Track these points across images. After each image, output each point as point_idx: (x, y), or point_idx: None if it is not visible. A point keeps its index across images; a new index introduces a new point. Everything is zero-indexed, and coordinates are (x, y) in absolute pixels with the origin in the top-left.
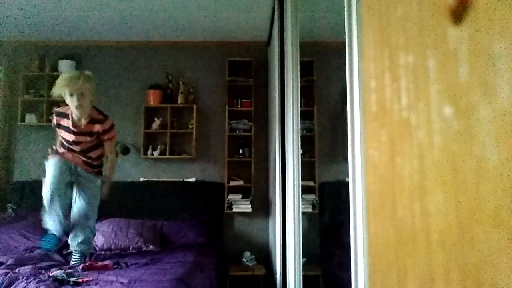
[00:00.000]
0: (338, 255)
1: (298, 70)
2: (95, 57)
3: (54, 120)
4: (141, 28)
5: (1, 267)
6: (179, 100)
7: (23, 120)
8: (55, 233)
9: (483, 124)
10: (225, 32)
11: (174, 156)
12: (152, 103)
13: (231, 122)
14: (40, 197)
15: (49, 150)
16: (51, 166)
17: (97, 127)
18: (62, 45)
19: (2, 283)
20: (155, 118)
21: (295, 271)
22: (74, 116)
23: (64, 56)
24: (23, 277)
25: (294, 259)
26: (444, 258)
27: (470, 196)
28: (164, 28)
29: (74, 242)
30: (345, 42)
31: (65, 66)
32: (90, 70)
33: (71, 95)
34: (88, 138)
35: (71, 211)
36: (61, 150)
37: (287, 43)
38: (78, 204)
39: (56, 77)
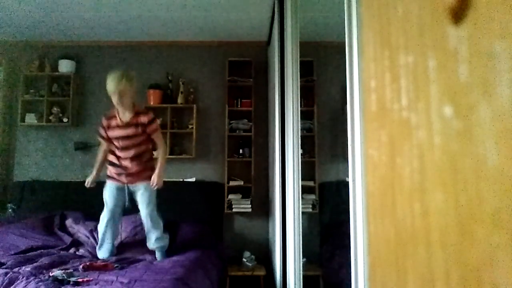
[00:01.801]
0: (338, 255)
1: (298, 70)
2: (95, 57)
3: (103, 124)
4: (141, 28)
5: (1, 267)
6: (179, 100)
7: (23, 120)
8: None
9: (483, 124)
10: (225, 32)
11: (174, 156)
12: (152, 103)
13: (231, 122)
14: (40, 197)
15: (107, 169)
16: (107, 194)
17: (142, 118)
18: (62, 45)
19: (2, 283)
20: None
21: (295, 271)
22: (119, 113)
23: (64, 56)
24: (23, 277)
25: (294, 259)
26: (444, 258)
27: (470, 196)
28: (164, 28)
29: (151, 244)
30: (345, 42)
31: (65, 66)
32: (90, 70)
33: (114, 93)
34: (135, 131)
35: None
36: (114, 170)
37: (287, 43)
38: (142, 214)
39: (56, 77)
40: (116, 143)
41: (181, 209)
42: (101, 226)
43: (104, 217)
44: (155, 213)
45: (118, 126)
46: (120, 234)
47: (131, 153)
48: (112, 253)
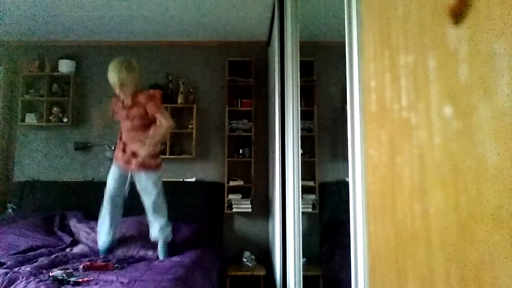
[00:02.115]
0: (338, 255)
1: (298, 70)
2: (95, 57)
3: (113, 105)
4: (141, 28)
5: (1, 267)
6: (179, 100)
7: (23, 120)
8: (101, 248)
9: (483, 124)
10: (225, 32)
11: (174, 156)
12: None
13: (231, 122)
14: (40, 197)
15: (113, 150)
16: (109, 177)
17: (141, 97)
18: (62, 45)
19: (2, 283)
20: None
21: (295, 271)
22: (121, 99)
23: (64, 56)
24: (23, 277)
25: (294, 259)
26: (444, 258)
27: (470, 196)
28: (164, 28)
29: (153, 234)
30: (345, 42)
31: (65, 66)
32: (90, 70)
33: (114, 84)
34: (137, 112)
35: (145, 209)
36: (120, 154)
37: (287, 43)
38: (145, 202)
39: (56, 77)
40: (121, 125)
41: (181, 209)
42: (102, 216)
43: (104, 206)
44: (160, 200)
45: (122, 108)
46: (119, 225)
47: (135, 136)
48: (112, 243)
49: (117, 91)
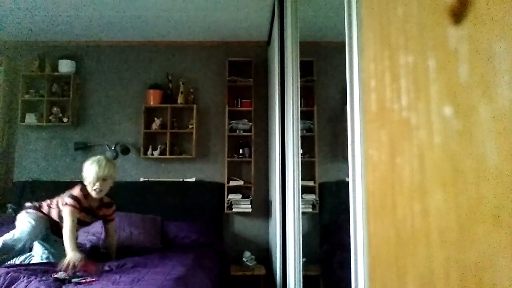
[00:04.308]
0: (338, 255)
1: (298, 70)
2: (95, 57)
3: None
4: (141, 28)
5: (2, 266)
6: (179, 100)
7: (23, 120)
8: None
9: (483, 124)
10: (225, 32)
11: (174, 156)
12: (152, 103)
13: (231, 122)
14: (39, 197)
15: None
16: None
17: (104, 211)
18: (62, 45)
19: (3, 283)
20: (155, 118)
21: (295, 271)
22: (89, 199)
23: (64, 56)
24: (24, 277)
25: (294, 259)
26: (444, 258)
27: (470, 196)
28: (164, 28)
29: None
30: (345, 42)
31: (65, 66)
32: (90, 70)
33: (97, 180)
34: (92, 219)
35: None
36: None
37: (287, 43)
38: None
39: (56, 77)
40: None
41: (181, 209)
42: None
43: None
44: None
45: (89, 207)
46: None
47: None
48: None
49: (96, 185)
